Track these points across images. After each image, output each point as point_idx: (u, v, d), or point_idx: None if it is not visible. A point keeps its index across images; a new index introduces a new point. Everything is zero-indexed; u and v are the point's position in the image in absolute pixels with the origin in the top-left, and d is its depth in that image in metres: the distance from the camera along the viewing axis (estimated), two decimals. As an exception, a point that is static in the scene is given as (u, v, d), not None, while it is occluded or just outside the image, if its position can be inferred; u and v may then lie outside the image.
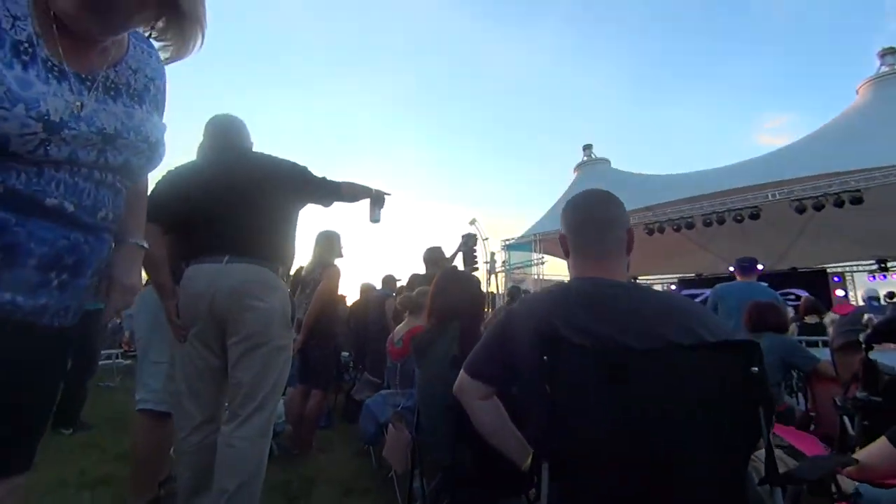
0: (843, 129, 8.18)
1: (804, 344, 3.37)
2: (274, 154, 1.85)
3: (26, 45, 0.68)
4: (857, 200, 6.44)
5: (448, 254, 3.91)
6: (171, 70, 0.94)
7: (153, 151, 0.87)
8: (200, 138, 1.94)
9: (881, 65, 8.25)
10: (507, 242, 10.66)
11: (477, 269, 10.52)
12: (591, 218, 1.15)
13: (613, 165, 11.78)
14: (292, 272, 2.87)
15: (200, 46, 0.85)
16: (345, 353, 4.62)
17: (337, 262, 3.25)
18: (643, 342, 0.92)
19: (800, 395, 2.87)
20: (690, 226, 7.73)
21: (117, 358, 6.59)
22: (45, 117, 0.67)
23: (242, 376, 1.57)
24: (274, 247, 1.70)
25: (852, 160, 6.71)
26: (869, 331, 1.66)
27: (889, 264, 9.33)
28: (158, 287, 1.68)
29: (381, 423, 2.35)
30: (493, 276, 10.57)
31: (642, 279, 12.68)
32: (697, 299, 9.65)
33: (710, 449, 0.86)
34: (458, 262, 4.06)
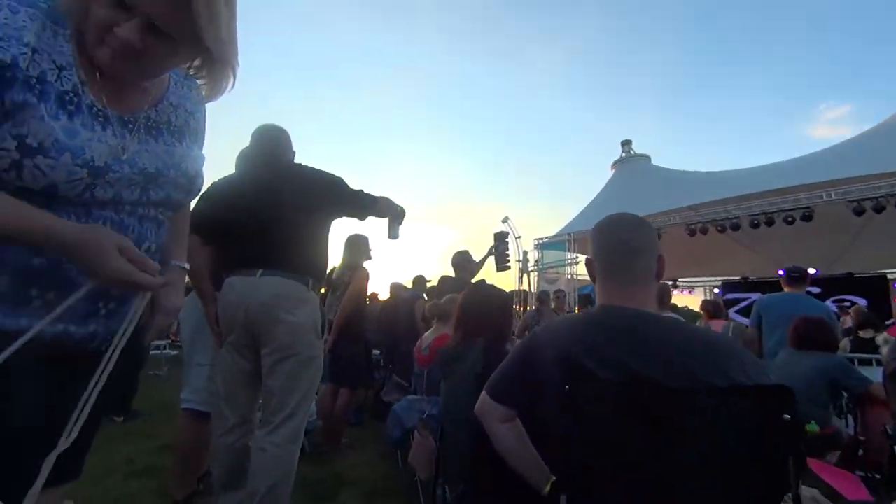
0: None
1: (856, 362, 3.15)
2: (315, 166, 1.90)
3: (72, 94, 0.73)
4: (923, 201, 5.93)
5: (478, 257, 3.89)
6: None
7: (192, 184, 0.92)
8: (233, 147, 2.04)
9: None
10: (541, 241, 10.50)
11: (509, 267, 10.47)
12: (619, 244, 1.12)
13: (654, 162, 11.36)
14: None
15: (233, 87, 0.89)
16: (376, 352, 4.72)
17: (365, 264, 3.32)
18: (672, 379, 0.89)
19: (849, 416, 2.69)
20: (736, 227, 7.30)
21: (165, 349, 6.99)
22: (91, 163, 0.72)
23: (274, 385, 1.65)
24: (306, 259, 1.76)
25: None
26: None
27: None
28: (200, 293, 1.83)
29: (408, 428, 2.39)
30: (525, 276, 10.47)
31: (683, 281, 12.20)
32: (742, 304, 9.19)
33: (735, 498, 0.82)
34: (491, 263, 4.06)
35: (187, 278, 1.70)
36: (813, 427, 2.18)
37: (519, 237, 10.67)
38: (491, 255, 3.98)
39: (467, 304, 1.82)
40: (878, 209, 6.21)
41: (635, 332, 0.99)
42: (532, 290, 9.93)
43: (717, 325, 3.61)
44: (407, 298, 4.35)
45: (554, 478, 1.09)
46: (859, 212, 6.37)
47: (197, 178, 0.93)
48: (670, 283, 12.11)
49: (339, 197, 1.87)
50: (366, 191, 1.93)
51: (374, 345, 4.56)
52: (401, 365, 3.76)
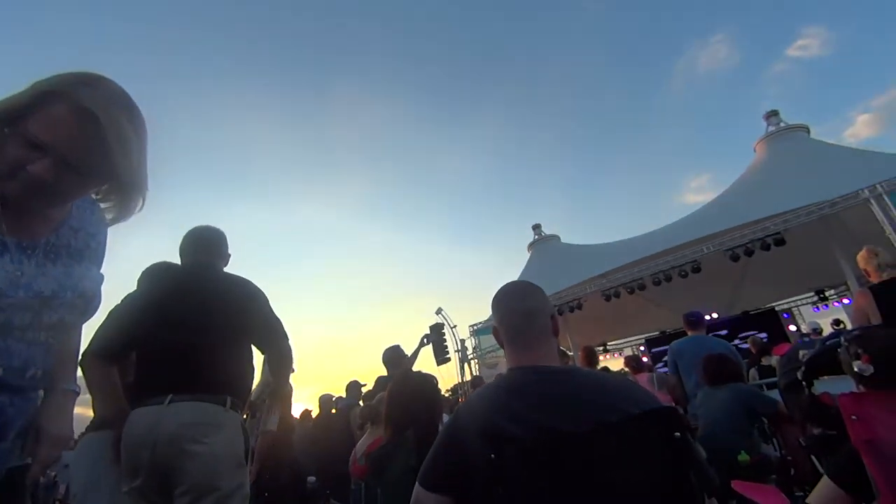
0: (752, 181, 9.24)
1: (765, 388, 3.43)
2: (250, 281, 1.76)
3: None
4: (779, 242, 7.07)
5: (409, 352, 3.82)
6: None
7: (88, 305, 0.90)
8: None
9: (768, 125, 9.62)
10: (475, 327, 10.62)
11: (449, 359, 10.32)
12: (515, 309, 1.21)
13: (563, 240, 12.45)
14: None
15: (142, 208, 0.91)
16: (311, 478, 4.20)
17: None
18: (575, 425, 0.94)
19: (775, 440, 2.85)
20: (642, 287, 8.09)
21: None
22: None
23: None
24: (224, 377, 1.58)
25: (767, 207, 7.49)
26: (803, 368, 1.74)
27: (827, 293, 9.97)
28: (102, 421, 1.57)
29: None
30: (466, 365, 10.33)
31: (612, 343, 12.78)
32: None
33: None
34: (430, 356, 3.98)
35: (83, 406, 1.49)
36: (744, 457, 2.28)
37: (454, 327, 10.71)
38: (423, 345, 3.92)
39: (393, 396, 1.77)
40: (749, 253, 7.28)
41: (542, 389, 1.04)
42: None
43: (642, 378, 3.79)
44: (341, 409, 4.06)
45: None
46: (735, 258, 7.41)
47: (94, 298, 0.91)
48: (600, 347, 12.64)
49: (263, 320, 1.73)
50: (283, 328, 1.80)
51: (308, 470, 4.07)
52: (339, 486, 3.38)
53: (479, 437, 1.00)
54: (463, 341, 10.73)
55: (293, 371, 3.14)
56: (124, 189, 0.87)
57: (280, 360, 1.78)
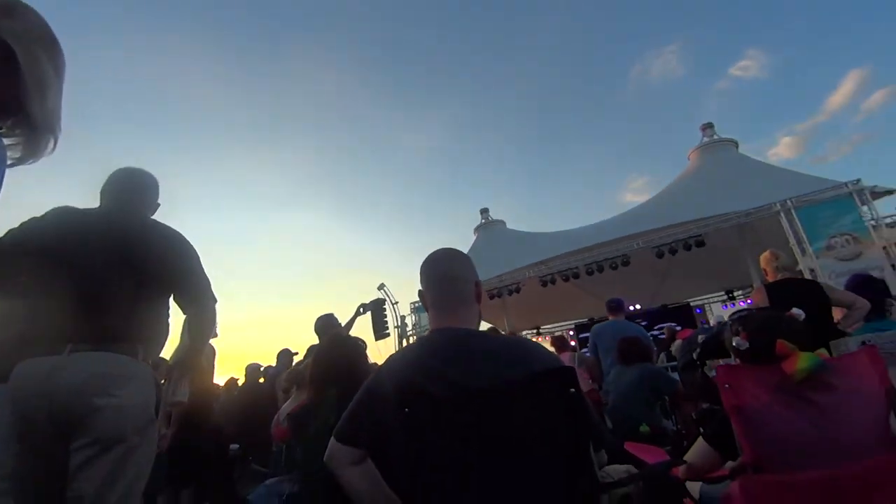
0: (683, 186, 9.97)
1: (670, 370, 3.79)
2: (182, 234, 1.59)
3: None
4: (700, 244, 7.73)
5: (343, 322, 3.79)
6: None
7: None
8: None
9: (703, 136, 10.35)
10: (416, 305, 10.71)
11: (388, 334, 10.34)
12: (440, 275, 1.25)
13: (509, 226, 12.77)
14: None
15: (53, 150, 0.83)
16: (234, 446, 4.09)
17: (212, 341, 2.98)
18: (482, 382, 0.99)
19: (674, 416, 3.18)
20: (576, 275, 8.56)
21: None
22: None
23: (85, 487, 1.26)
24: (132, 326, 1.43)
25: (692, 211, 8.16)
26: (698, 349, 1.93)
27: (735, 293, 11.10)
28: None
29: (266, 518, 2.09)
30: (404, 341, 10.43)
31: (545, 327, 13.44)
32: (593, 342, 10.46)
33: (548, 471, 0.92)
34: (368, 330, 3.97)
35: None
36: (645, 428, 2.53)
37: (396, 303, 10.74)
38: (358, 314, 3.89)
39: (318, 356, 1.76)
40: (673, 251, 7.91)
41: (457, 349, 1.09)
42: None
43: (565, 356, 4.04)
44: (270, 376, 3.97)
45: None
46: (660, 255, 8.02)
47: None
48: (535, 329, 13.27)
49: (187, 276, 1.58)
50: (211, 288, 1.65)
51: (231, 437, 3.96)
52: (261, 451, 3.33)
53: (396, 392, 1.03)
54: (403, 318, 10.82)
55: (215, 335, 3.01)
56: (36, 129, 0.79)
57: (201, 319, 1.63)
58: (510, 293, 9.21)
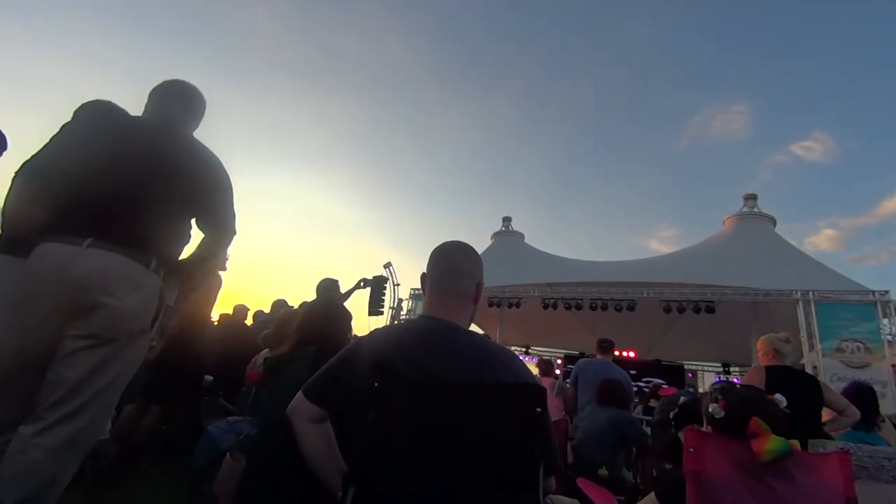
0: (709, 249, 9.79)
1: (644, 423, 3.75)
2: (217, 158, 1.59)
3: None
4: (710, 310, 7.60)
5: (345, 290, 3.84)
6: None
7: None
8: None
9: (743, 205, 10.15)
10: (417, 292, 10.75)
11: (382, 312, 10.39)
12: (447, 264, 1.27)
13: (526, 240, 12.71)
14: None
15: None
16: (208, 377, 4.19)
17: (220, 273, 3.06)
18: (457, 377, 1.01)
19: (635, 469, 3.15)
20: (579, 307, 8.49)
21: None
22: None
23: (67, 373, 1.30)
24: (153, 236, 1.46)
25: (712, 276, 8.02)
26: (675, 410, 1.92)
27: (731, 368, 10.91)
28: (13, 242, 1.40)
29: (220, 451, 2.15)
30: (395, 322, 10.49)
31: (535, 349, 13.38)
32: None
33: (495, 477, 0.94)
34: (363, 305, 4.02)
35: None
36: (603, 471, 2.52)
37: (398, 285, 10.81)
38: (358, 287, 3.95)
39: (310, 312, 1.80)
40: (681, 310, 7.79)
41: (441, 340, 1.11)
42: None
43: (546, 382, 4.04)
44: (263, 321, 4.05)
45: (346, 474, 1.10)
46: (667, 310, 7.91)
47: None
48: (524, 348, 13.23)
49: (214, 203, 1.59)
50: (234, 222, 1.65)
51: (208, 370, 4.04)
52: (231, 388, 3.40)
53: (371, 365, 1.05)
54: (401, 301, 10.87)
55: (224, 269, 3.09)
56: None
57: (216, 242, 1.63)
58: (510, 306, 9.19)
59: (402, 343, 1.11)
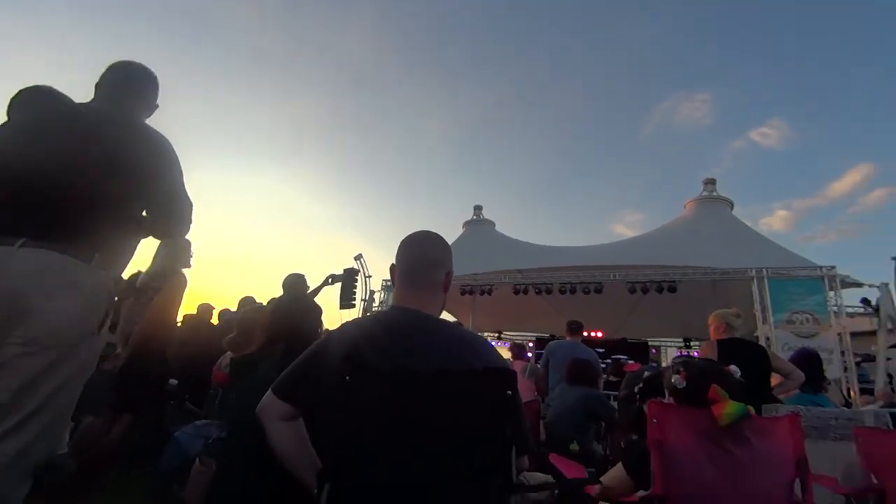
0: (671, 232, 10.20)
1: (611, 398, 3.90)
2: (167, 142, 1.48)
3: None
4: (672, 289, 7.93)
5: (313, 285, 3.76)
6: None
7: None
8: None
9: (703, 190, 10.58)
10: (388, 283, 10.69)
11: (353, 305, 10.25)
12: (416, 254, 1.25)
13: (497, 228, 12.83)
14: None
15: None
16: (173, 381, 4.03)
17: (184, 271, 2.91)
18: (427, 367, 1.01)
19: (605, 442, 3.27)
20: (549, 291, 8.68)
21: None
22: None
23: (3, 384, 1.17)
24: (93, 229, 1.34)
25: (673, 257, 8.36)
26: (640, 384, 2.00)
27: (692, 343, 11.49)
28: None
29: (188, 456, 2.09)
30: (366, 314, 10.41)
31: (507, 334, 13.63)
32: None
33: (467, 464, 0.94)
34: (333, 299, 3.95)
35: None
36: (574, 446, 2.60)
37: (369, 277, 10.70)
38: (326, 284, 3.88)
39: (276, 310, 1.76)
40: (645, 290, 8.11)
41: (411, 330, 1.10)
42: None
43: (518, 365, 4.11)
44: (228, 320, 3.91)
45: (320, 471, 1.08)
46: (632, 291, 8.21)
47: None
48: (497, 333, 13.44)
49: (162, 190, 1.49)
50: (188, 211, 1.57)
51: (174, 373, 3.88)
52: (198, 390, 3.29)
53: (341, 358, 1.03)
54: (373, 293, 10.78)
55: (187, 266, 2.94)
56: None
57: (172, 239, 1.56)
58: (482, 293, 9.28)
59: (372, 335, 1.10)
